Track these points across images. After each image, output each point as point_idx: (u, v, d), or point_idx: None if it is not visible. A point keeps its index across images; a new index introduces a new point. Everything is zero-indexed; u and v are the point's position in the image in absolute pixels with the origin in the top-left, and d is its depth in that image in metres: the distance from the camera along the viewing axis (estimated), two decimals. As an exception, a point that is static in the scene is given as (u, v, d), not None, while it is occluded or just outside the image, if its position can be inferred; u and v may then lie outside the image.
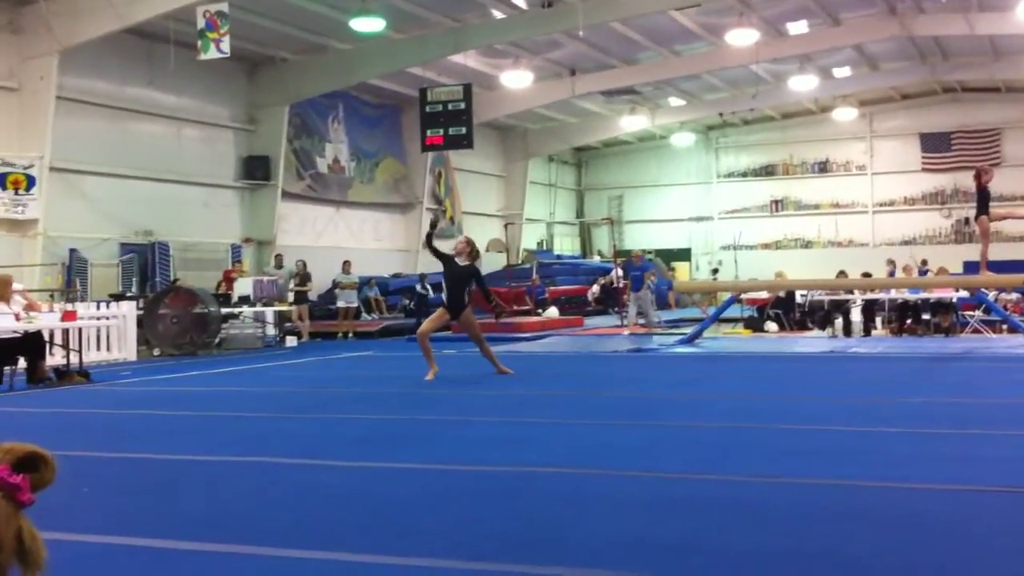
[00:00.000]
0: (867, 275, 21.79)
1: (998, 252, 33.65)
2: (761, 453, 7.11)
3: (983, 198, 15.82)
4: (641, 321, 22.16)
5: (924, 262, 24.01)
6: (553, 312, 26.52)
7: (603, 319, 27.51)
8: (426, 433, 8.51)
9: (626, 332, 20.97)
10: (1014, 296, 20.88)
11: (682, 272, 38.42)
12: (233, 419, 9.86)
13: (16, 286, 13.53)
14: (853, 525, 4.98)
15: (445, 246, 31.53)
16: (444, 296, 13.33)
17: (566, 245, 40.60)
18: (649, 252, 35.91)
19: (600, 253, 39.83)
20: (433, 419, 9.36)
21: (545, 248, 37.63)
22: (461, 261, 13.12)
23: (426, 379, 12.60)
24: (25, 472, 1.45)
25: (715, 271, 36.24)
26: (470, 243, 13.42)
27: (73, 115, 20.22)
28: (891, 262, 23.45)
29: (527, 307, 25.71)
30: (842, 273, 22.63)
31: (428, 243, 13.75)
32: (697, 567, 4.34)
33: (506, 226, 30.90)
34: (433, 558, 4.51)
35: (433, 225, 14.90)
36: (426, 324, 13.24)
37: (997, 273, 18.01)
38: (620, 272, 27.74)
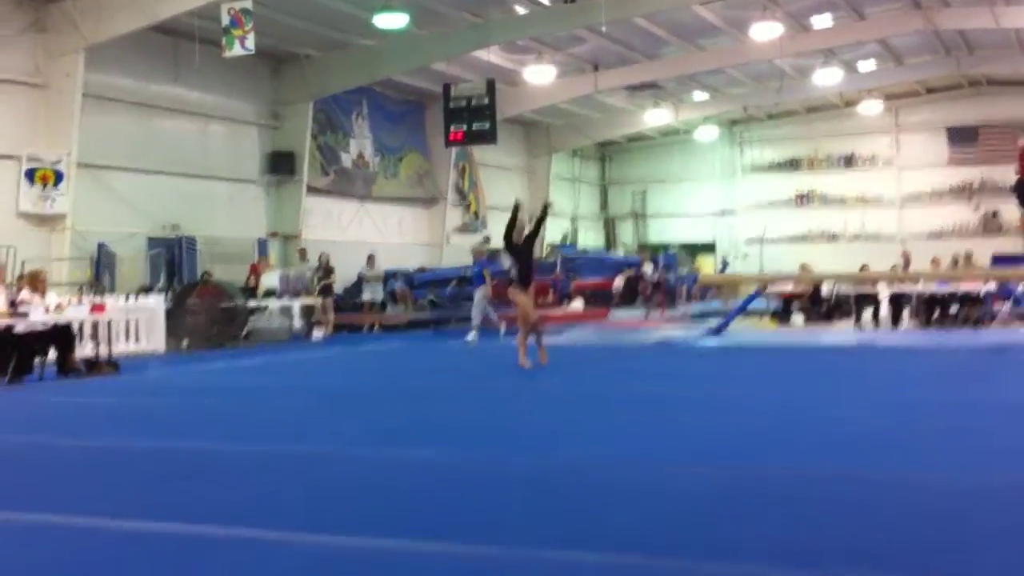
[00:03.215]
0: (864, 268, 21.57)
1: (1020, 244, 33.60)
2: (788, 445, 7.09)
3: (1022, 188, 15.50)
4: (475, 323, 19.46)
5: (968, 257, 23.53)
6: (578, 305, 26.52)
7: (628, 311, 27.47)
8: (453, 425, 8.53)
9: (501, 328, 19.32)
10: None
11: (707, 266, 38.31)
12: (259, 410, 9.91)
13: None
14: (882, 517, 4.97)
15: (470, 240, 31.93)
16: (516, 272, 12.86)
17: (590, 239, 40.57)
18: (674, 247, 35.89)
19: (625, 246, 39.77)
20: (461, 411, 9.39)
21: (569, 242, 37.58)
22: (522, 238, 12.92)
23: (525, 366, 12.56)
24: None
25: (724, 265, 36.13)
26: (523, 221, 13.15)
27: (100, 112, 20.35)
28: (905, 255, 23.30)
29: (551, 300, 25.71)
30: (864, 267, 22.51)
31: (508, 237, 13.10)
32: (722, 555, 4.35)
33: (529, 220, 30.84)
34: (463, 544, 4.54)
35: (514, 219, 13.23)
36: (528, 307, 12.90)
37: (1016, 265, 17.84)
38: (651, 267, 27.74)
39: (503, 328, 18.97)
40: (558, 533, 4.64)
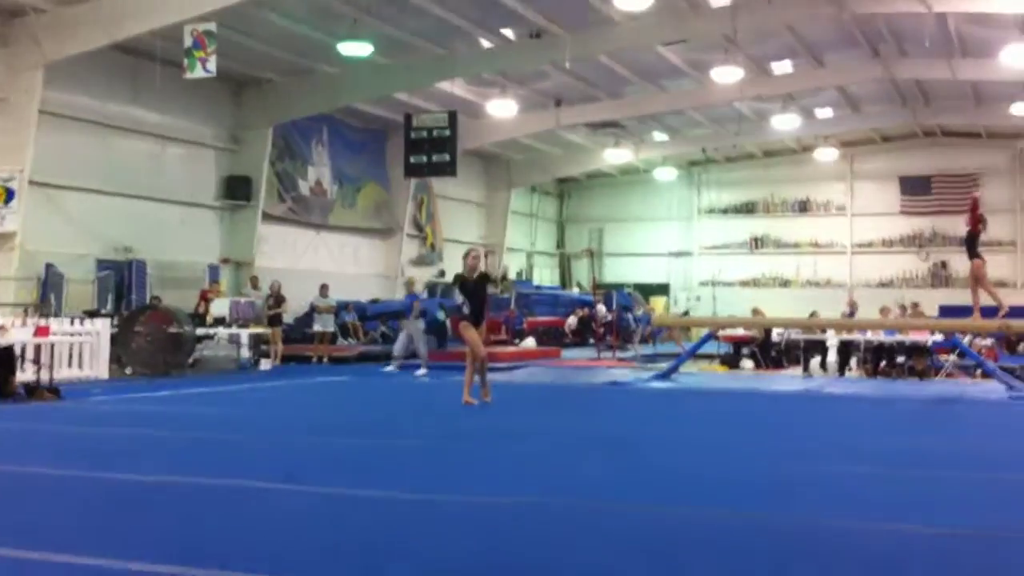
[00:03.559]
0: (813, 314, 21.87)
1: (967, 296, 34.02)
2: (739, 489, 7.08)
3: (973, 241, 15.77)
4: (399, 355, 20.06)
5: (915, 305, 23.89)
6: (530, 343, 26.50)
7: (580, 351, 27.49)
8: (401, 460, 8.45)
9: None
10: (988, 341, 20.97)
11: (660, 307, 38.46)
12: (202, 441, 9.76)
13: None
14: (827, 565, 4.96)
15: (427, 272, 31.93)
16: (468, 309, 12.97)
17: (545, 276, 40.62)
18: (629, 285, 36.03)
19: (579, 285, 39.86)
20: (408, 445, 9.30)
21: (524, 278, 37.62)
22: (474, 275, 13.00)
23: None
24: None
25: (686, 312, 36.24)
26: (476, 258, 13.28)
27: (55, 129, 20.11)
28: (852, 303, 23.59)
29: (503, 337, 25.66)
30: (814, 314, 22.71)
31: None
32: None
33: (486, 255, 30.82)
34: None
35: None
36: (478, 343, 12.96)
37: (963, 317, 18.09)
38: (604, 308, 27.82)
39: (424, 371, 19.14)
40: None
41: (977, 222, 15.76)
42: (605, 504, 6.55)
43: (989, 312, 16.42)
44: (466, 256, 13.33)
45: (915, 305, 23.90)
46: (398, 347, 20.15)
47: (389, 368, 19.21)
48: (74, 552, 5.12)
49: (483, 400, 12.83)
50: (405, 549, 5.30)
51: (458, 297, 13.15)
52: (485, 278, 13.12)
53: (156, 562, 4.89)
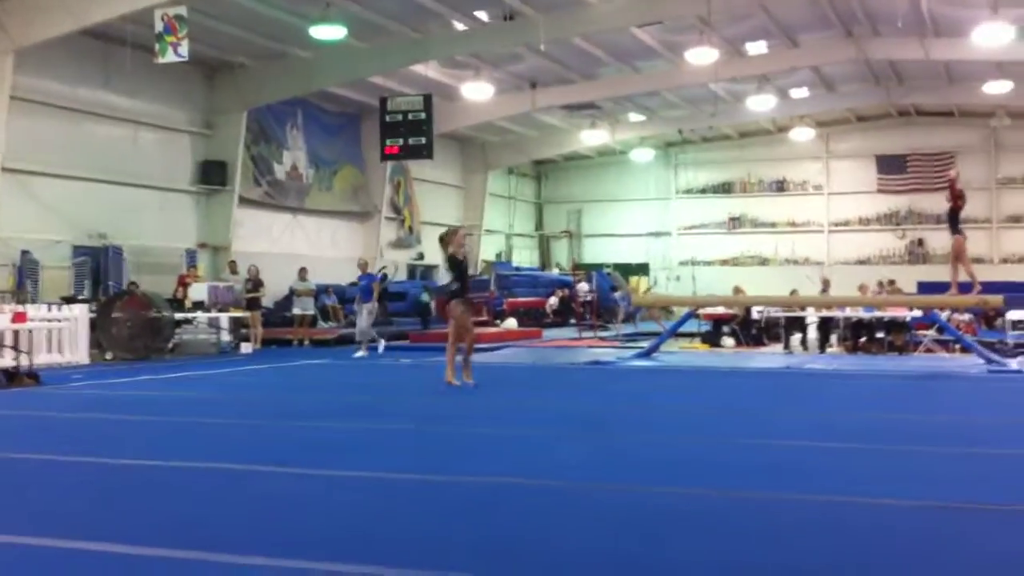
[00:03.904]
0: (794, 292, 21.98)
1: (948, 273, 34.25)
2: (719, 468, 7.12)
3: (954, 217, 15.83)
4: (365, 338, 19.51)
5: (892, 282, 24.08)
6: (511, 324, 26.51)
7: (561, 331, 27.52)
8: (384, 441, 8.44)
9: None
10: (967, 316, 21.12)
11: (639, 286, 38.52)
12: (184, 424, 9.71)
13: None
14: (810, 539, 4.98)
15: (404, 255, 31.96)
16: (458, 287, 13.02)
17: (525, 257, 40.63)
18: (608, 266, 36.07)
19: (559, 266, 39.90)
20: (390, 428, 9.29)
21: (504, 260, 37.61)
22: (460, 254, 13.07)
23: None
24: None
25: (648, 289, 36.31)
26: (465, 236, 13.42)
27: (27, 115, 19.90)
28: (825, 280, 23.75)
29: (484, 318, 25.65)
30: (794, 291, 22.81)
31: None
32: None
33: (463, 234, 30.79)
34: (392, 567, 4.46)
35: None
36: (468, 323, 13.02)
37: (940, 294, 18.22)
38: (587, 286, 27.85)
39: (382, 346, 19.21)
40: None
41: (957, 198, 15.83)
42: (588, 484, 6.57)
43: (964, 288, 16.52)
44: (454, 234, 13.33)
45: (891, 282, 24.12)
46: (361, 331, 19.75)
47: (359, 354, 19.06)
48: (58, 536, 5.09)
49: (466, 382, 12.81)
50: (391, 529, 5.30)
51: (445, 276, 13.14)
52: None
53: (141, 544, 4.86)
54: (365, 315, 19.47)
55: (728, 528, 5.21)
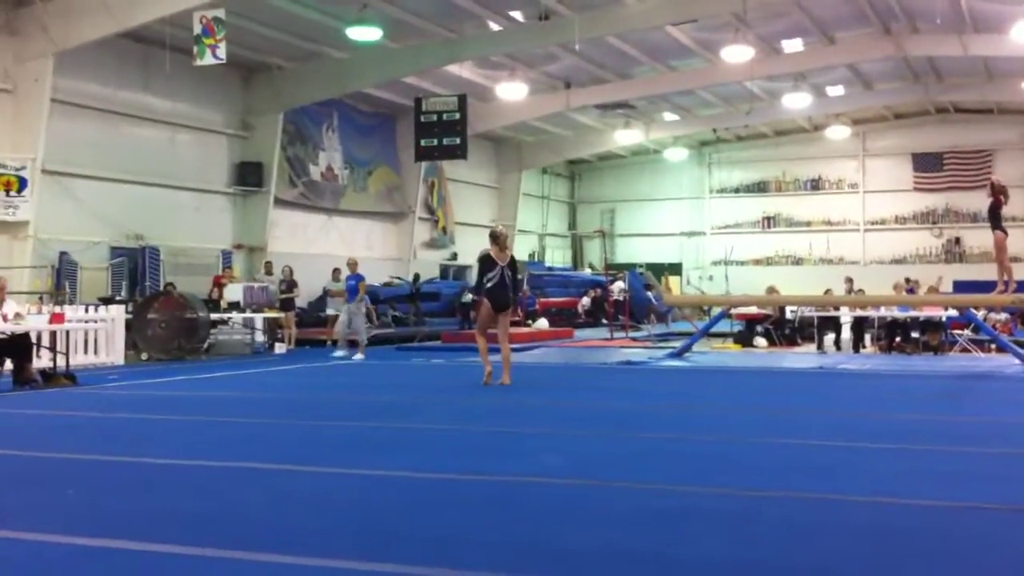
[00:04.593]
0: (828, 292, 21.89)
1: (988, 272, 33.86)
2: (747, 467, 7.11)
3: (995, 214, 15.65)
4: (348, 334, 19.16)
5: (911, 281, 23.95)
6: (543, 324, 26.53)
7: (593, 331, 27.51)
8: (415, 440, 8.49)
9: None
10: (1003, 316, 20.92)
11: (673, 286, 38.41)
12: (220, 424, 9.82)
13: None
14: (839, 539, 4.98)
15: (437, 255, 32.11)
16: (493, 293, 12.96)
17: (558, 257, 40.64)
18: (641, 265, 35.98)
19: (591, 265, 39.86)
20: (422, 427, 9.35)
21: (537, 260, 37.65)
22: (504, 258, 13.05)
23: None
24: None
25: (647, 286, 35.65)
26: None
27: (67, 118, 20.18)
28: (849, 280, 23.65)
29: (516, 318, 25.68)
30: (828, 291, 22.72)
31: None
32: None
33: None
34: (418, 566, 4.50)
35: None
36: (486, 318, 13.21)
37: (983, 293, 18.03)
38: (622, 284, 27.81)
39: (358, 356, 18.48)
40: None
41: (998, 194, 15.64)
42: (618, 483, 6.58)
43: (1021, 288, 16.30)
44: (506, 236, 13.38)
45: (912, 281, 23.93)
46: (339, 328, 19.40)
47: (338, 354, 18.79)
48: (94, 536, 5.17)
49: (501, 382, 12.86)
50: (420, 527, 5.34)
51: (484, 275, 13.04)
52: (513, 261, 13.21)
53: (176, 543, 4.94)
54: (346, 315, 18.93)
55: (757, 527, 5.21)
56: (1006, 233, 15.75)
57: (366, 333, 19.43)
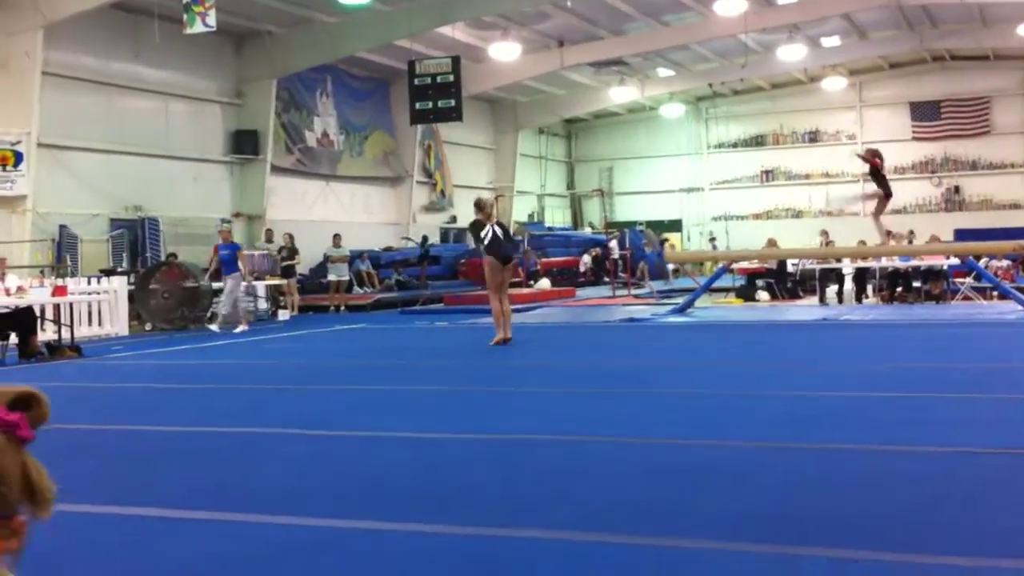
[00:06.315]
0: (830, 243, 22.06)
1: (988, 220, 33.94)
2: (753, 420, 7.14)
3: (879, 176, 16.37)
4: (224, 311, 17.88)
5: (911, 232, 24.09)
6: (545, 284, 26.55)
7: (595, 290, 27.54)
8: (424, 403, 8.53)
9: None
10: (1004, 263, 20.93)
11: (675, 243, 38.43)
12: (225, 391, 9.86)
13: None
14: (846, 488, 5.02)
15: (437, 219, 32.04)
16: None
17: (557, 217, 40.59)
18: (641, 223, 35.96)
19: (591, 225, 39.82)
20: (430, 389, 9.38)
21: (536, 220, 37.61)
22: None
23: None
24: (19, 411, 1.45)
25: (663, 242, 35.34)
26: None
27: (60, 90, 20.08)
28: (824, 232, 23.81)
29: (518, 279, 25.70)
30: (830, 243, 22.74)
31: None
32: (688, 529, 4.37)
33: (497, 198, 30.84)
34: (429, 524, 4.54)
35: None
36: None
37: (987, 240, 18.08)
38: (615, 243, 27.84)
39: (245, 327, 17.47)
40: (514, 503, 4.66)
41: (874, 158, 16.42)
42: (628, 439, 6.62)
43: None
44: (491, 204, 13.57)
45: (910, 233, 24.15)
46: (224, 305, 17.99)
47: (212, 327, 17.51)
48: (108, 503, 5.21)
49: (505, 338, 12.92)
50: (427, 485, 5.38)
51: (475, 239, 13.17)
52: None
53: (183, 508, 4.98)
54: (229, 288, 17.77)
55: (770, 478, 5.24)
56: (890, 194, 16.72)
57: (243, 304, 18.28)
